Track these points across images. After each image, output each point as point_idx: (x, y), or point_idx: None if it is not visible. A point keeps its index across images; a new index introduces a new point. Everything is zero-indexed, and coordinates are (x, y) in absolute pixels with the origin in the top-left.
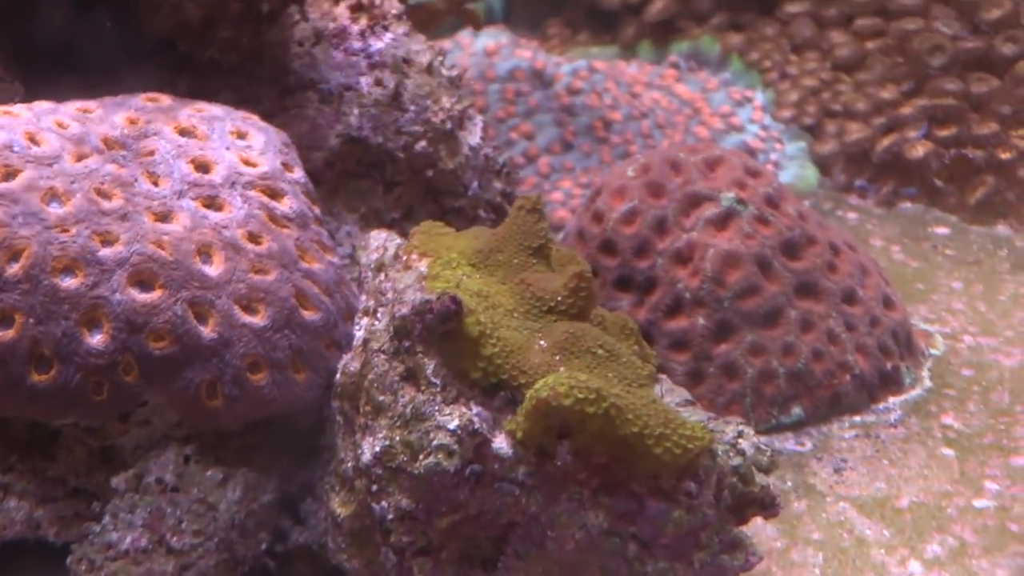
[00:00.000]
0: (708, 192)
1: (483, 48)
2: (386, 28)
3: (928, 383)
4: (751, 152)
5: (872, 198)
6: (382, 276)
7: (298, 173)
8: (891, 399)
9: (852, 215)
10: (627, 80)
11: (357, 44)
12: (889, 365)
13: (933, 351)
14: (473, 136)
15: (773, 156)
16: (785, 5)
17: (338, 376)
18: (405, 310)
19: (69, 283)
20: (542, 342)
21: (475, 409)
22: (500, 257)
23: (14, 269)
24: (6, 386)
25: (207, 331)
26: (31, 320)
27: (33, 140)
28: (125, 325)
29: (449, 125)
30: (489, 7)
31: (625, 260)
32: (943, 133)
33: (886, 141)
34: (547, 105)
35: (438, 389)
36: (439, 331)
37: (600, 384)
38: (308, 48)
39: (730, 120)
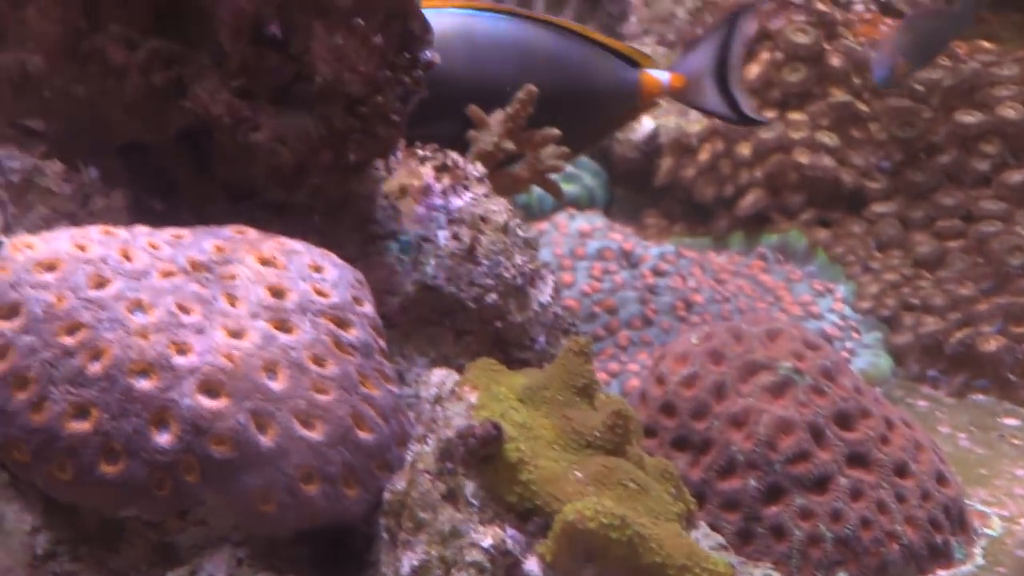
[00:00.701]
0: (766, 361)
1: (577, 229)
2: (466, 188)
3: (980, 560)
4: (827, 340)
5: (944, 388)
6: (437, 408)
7: (367, 307)
8: (940, 572)
9: (923, 403)
10: (714, 267)
11: (438, 200)
12: (939, 539)
13: (989, 531)
14: (543, 294)
15: (849, 344)
16: (873, 205)
17: (386, 494)
18: (450, 433)
19: (143, 385)
20: (578, 473)
21: (509, 531)
22: (546, 393)
23: (95, 368)
24: (78, 474)
25: (266, 440)
26: (106, 415)
27: (126, 256)
28: (191, 428)
29: (520, 281)
30: (591, 195)
31: (683, 421)
32: (1018, 329)
33: (960, 334)
34: (632, 283)
35: (475, 510)
36: (480, 455)
37: (625, 512)
38: (392, 201)
39: (810, 308)
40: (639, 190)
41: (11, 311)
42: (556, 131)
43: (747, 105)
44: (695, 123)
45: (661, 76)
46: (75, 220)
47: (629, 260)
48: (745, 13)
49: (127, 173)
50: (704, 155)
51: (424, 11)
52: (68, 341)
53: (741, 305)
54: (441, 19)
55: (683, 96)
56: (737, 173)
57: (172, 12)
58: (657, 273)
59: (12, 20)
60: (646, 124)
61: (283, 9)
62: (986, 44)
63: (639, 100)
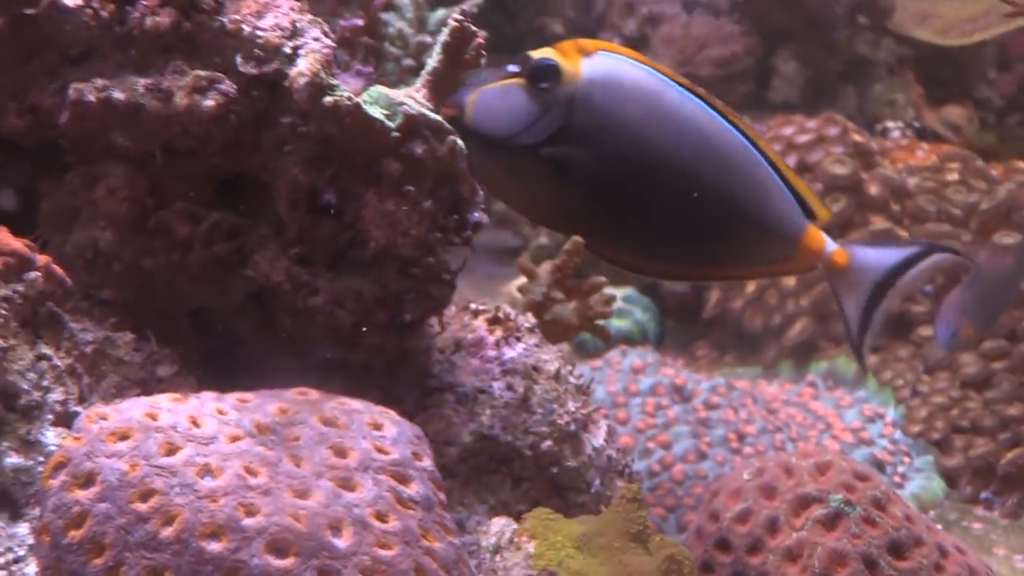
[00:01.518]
0: (817, 494)
1: (630, 366)
2: (519, 339)
3: None
4: (879, 465)
5: (998, 509)
6: (497, 557)
7: (426, 462)
8: None
9: (977, 525)
10: (766, 397)
11: (492, 353)
12: None
13: None
14: (597, 438)
15: (901, 469)
16: (919, 329)
17: None
18: None
19: (214, 547)
20: None
21: None
22: (602, 540)
23: (167, 532)
24: None
25: None
26: None
27: (195, 423)
28: None
29: (574, 427)
30: (643, 329)
31: (739, 557)
32: None
33: (1011, 455)
34: (684, 418)
35: None
36: None
37: None
38: (448, 355)
39: (860, 435)
40: (689, 322)
41: (87, 480)
42: (603, 279)
43: (867, 341)
44: None
45: (828, 242)
46: (146, 387)
47: (681, 394)
48: (947, 255)
49: (194, 335)
50: (751, 286)
51: (623, 59)
52: (141, 507)
53: (793, 434)
54: (636, 71)
55: (835, 276)
56: (784, 303)
57: (232, 186)
58: (709, 406)
59: (85, 201)
60: None
61: (337, 179)
62: (1021, 164)
63: (796, 256)
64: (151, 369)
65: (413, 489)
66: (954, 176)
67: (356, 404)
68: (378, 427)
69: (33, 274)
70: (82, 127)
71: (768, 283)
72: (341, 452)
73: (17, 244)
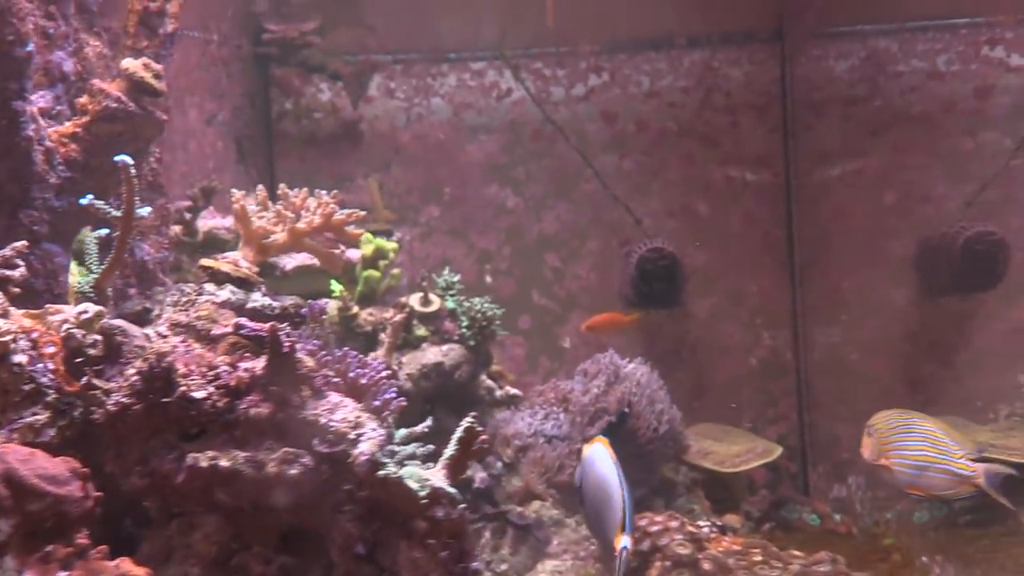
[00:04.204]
0: None
1: None
2: None
3: None
4: None
5: None
6: None
7: None
8: None
9: None
10: None
11: None
12: None
13: None
14: None
15: None
16: None
17: None
18: None
19: None
20: None
21: None
22: None
23: None
24: None
25: None
26: None
27: None
28: None
29: None
30: None
31: None
32: None
33: None
34: None
35: None
36: None
37: None
38: None
39: None
40: None
41: None
42: None
43: None
44: None
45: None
46: None
47: None
48: None
49: None
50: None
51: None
52: None
53: None
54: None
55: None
56: None
57: (295, 536)
58: None
59: (180, 543)
60: None
61: (380, 532)
62: (796, 552)
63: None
64: None
65: None
66: (758, 558)
67: None
68: None
69: None
70: (192, 486)
71: None
72: None
73: (140, 571)
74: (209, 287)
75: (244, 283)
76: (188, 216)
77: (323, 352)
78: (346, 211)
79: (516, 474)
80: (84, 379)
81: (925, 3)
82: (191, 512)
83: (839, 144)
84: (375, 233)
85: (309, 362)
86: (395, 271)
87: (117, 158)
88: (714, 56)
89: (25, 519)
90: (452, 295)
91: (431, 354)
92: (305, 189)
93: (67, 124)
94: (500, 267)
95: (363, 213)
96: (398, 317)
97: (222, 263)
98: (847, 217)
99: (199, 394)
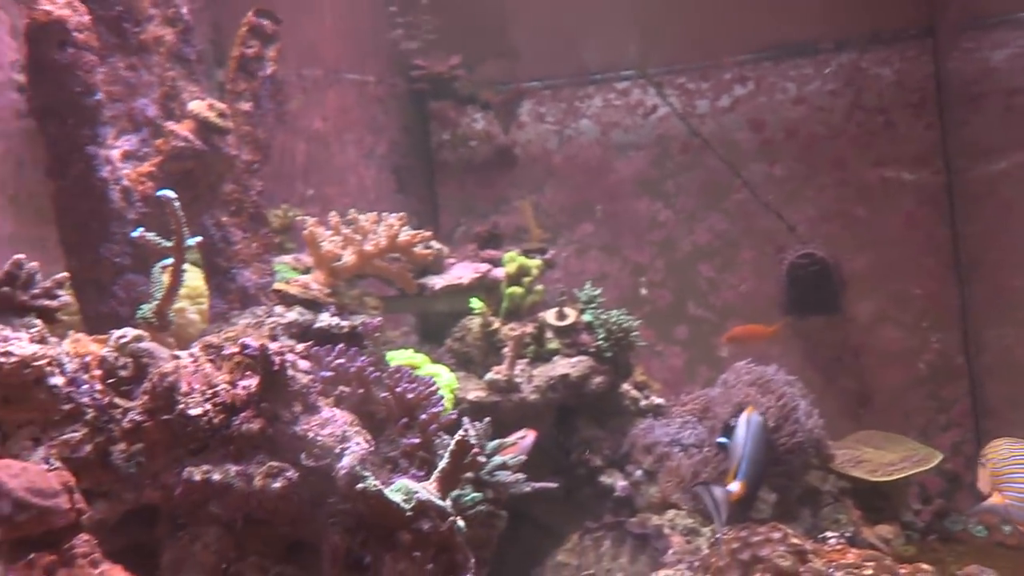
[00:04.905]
0: None
1: None
2: None
3: None
4: None
5: None
6: None
7: None
8: None
9: None
10: None
11: None
12: None
13: None
14: None
15: None
16: None
17: None
18: None
19: None
20: None
21: None
22: None
23: None
24: None
25: None
26: None
27: None
28: None
29: None
30: None
31: None
32: None
33: None
34: None
35: None
36: None
37: None
38: None
39: None
40: None
41: None
42: None
43: None
44: None
45: None
46: None
47: None
48: None
49: None
50: None
51: None
52: None
53: None
54: None
55: None
56: None
57: (293, 545)
58: None
59: (187, 553)
60: None
61: (365, 544)
62: (924, 566)
63: None
64: None
65: None
66: (869, 572)
67: None
68: None
69: None
70: (190, 498)
71: None
72: None
73: None
74: (279, 309)
75: (312, 304)
76: None
77: (371, 368)
78: (411, 232)
79: (655, 483)
80: (107, 399)
81: None
82: (194, 523)
83: (1002, 137)
84: (529, 252)
85: (303, 379)
86: (539, 287)
87: (159, 193)
88: (862, 57)
89: (12, 528)
90: (593, 308)
91: (560, 367)
92: (375, 213)
93: (145, 164)
94: (655, 279)
95: (428, 234)
96: (518, 331)
97: (291, 286)
98: (1015, 213)
99: (195, 411)
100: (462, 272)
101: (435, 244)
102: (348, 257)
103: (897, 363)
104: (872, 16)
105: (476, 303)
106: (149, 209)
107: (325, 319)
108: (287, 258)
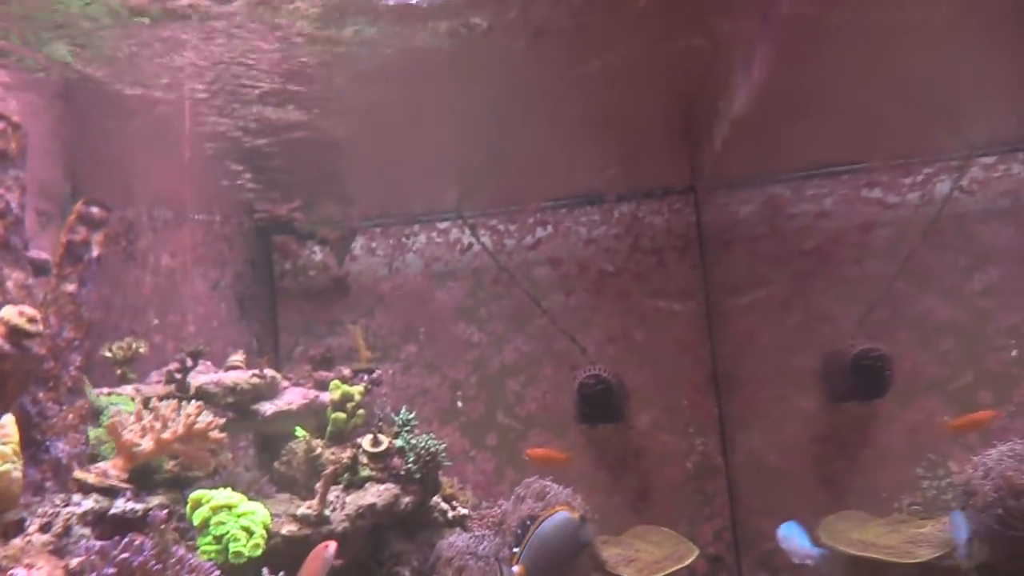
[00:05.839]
0: None
1: None
2: None
3: None
4: None
5: None
6: None
7: None
8: None
9: None
10: None
11: None
12: None
13: None
14: None
15: None
16: None
17: None
18: None
19: None
20: None
21: None
22: None
23: None
24: None
25: None
26: None
27: None
28: None
29: None
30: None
31: None
32: None
33: None
34: None
35: None
36: None
37: None
38: None
39: None
40: None
41: None
42: None
43: None
44: None
45: None
46: None
47: None
48: None
49: None
50: None
51: None
52: None
53: None
54: None
55: None
56: None
57: None
58: None
59: None
60: None
61: None
62: None
63: None
64: None
65: None
66: None
67: None
68: None
69: None
70: None
71: None
72: None
73: None
74: (76, 497)
75: (109, 491)
76: (179, 376)
77: (154, 562)
78: (205, 419)
79: None
80: None
81: (811, 155)
82: None
83: (747, 276)
84: (357, 371)
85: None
86: (360, 412)
87: None
88: (639, 207)
89: None
90: (407, 431)
91: (370, 495)
92: (174, 401)
93: None
94: (469, 393)
95: (222, 421)
96: (334, 461)
97: (89, 475)
98: (758, 337)
99: None
100: (292, 398)
101: (268, 372)
102: (147, 444)
103: (670, 463)
104: (646, 176)
105: (300, 431)
106: None
107: (120, 505)
108: (128, 388)
